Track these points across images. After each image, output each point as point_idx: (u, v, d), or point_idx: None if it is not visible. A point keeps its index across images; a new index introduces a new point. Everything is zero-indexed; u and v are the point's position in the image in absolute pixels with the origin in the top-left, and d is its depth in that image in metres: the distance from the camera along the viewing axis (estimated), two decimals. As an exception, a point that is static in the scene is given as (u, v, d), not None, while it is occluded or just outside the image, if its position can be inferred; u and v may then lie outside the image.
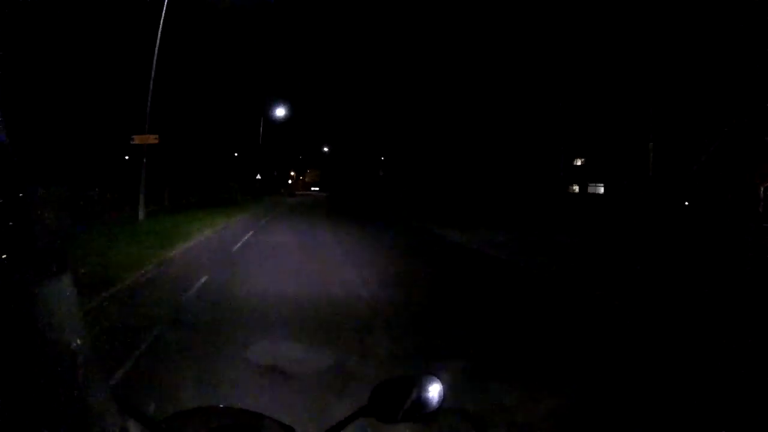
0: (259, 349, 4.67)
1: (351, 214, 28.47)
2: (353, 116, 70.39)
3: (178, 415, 1.19)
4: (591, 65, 28.01)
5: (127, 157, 27.35)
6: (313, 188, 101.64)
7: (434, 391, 1.16)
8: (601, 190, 32.56)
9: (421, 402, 1.14)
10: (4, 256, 0.57)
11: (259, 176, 38.28)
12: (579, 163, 35.11)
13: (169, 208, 22.56)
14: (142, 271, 8.24)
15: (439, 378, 1.19)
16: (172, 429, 1.11)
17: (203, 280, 7.80)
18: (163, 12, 14.84)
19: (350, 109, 77.70)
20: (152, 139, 15.25)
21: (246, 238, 14.15)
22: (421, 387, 1.15)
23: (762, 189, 19.50)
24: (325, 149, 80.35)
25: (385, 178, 61.73)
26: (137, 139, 15.32)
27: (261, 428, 1.18)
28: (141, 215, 15.31)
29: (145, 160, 15.43)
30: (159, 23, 14.88)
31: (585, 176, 34.04)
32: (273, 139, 63.08)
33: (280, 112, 36.90)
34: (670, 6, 20.56)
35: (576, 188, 35.49)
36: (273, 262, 9.89)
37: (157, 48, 14.88)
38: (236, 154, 48.28)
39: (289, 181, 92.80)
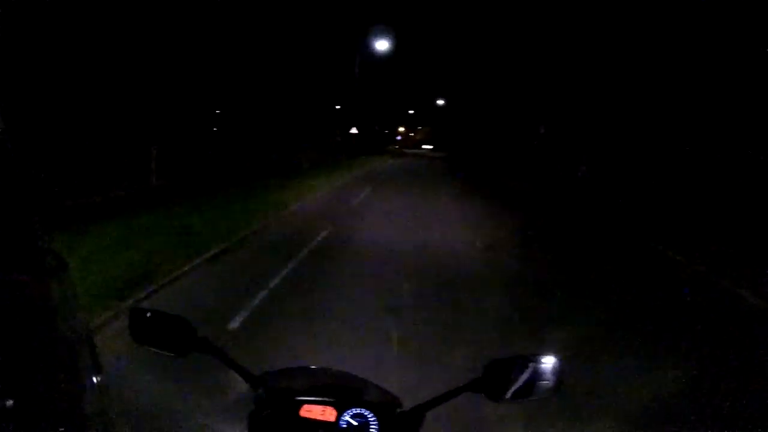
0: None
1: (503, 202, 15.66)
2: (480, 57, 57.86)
3: (277, 371, 1.17)
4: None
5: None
6: (424, 146, 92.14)
7: (551, 371, 1.09)
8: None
9: (535, 382, 1.08)
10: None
11: (355, 130, 30.21)
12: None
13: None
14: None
15: (556, 357, 1.08)
16: (270, 383, 1.11)
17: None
18: None
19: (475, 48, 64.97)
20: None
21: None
22: (537, 366, 1.08)
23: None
24: (440, 102, 69.18)
25: (547, 138, 32.83)
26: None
27: (362, 391, 1.14)
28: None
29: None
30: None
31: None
32: (376, 86, 54.67)
33: (382, 46, 26.89)
34: None
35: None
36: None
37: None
38: (335, 107, 39.92)
39: (398, 138, 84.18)
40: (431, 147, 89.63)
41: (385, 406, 1.10)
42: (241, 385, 1.09)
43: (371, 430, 1.04)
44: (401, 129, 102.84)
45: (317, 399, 1.08)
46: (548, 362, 1.09)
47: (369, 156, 37.71)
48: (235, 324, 4.39)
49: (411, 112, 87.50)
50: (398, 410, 1.10)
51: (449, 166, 31.98)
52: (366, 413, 1.06)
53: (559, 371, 1.09)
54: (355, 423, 1.05)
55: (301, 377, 1.21)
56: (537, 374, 1.08)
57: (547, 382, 1.08)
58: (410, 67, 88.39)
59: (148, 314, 1.14)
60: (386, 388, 1.16)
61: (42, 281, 0.62)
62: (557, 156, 28.33)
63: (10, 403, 0.55)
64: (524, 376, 1.07)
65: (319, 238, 8.00)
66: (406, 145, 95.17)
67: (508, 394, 1.07)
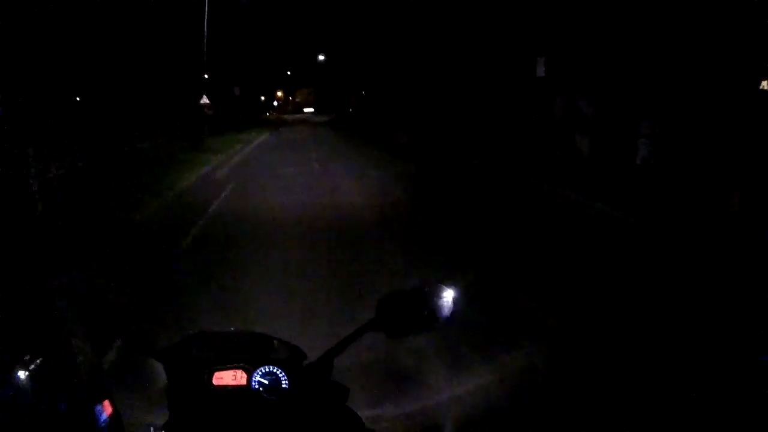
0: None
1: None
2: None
3: (182, 342, 1.15)
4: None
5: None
6: (305, 109, 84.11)
7: (445, 299, 1.10)
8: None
9: (430, 312, 1.09)
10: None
11: (205, 99, 22.01)
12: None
13: None
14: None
15: (448, 286, 1.13)
16: (179, 356, 1.10)
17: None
18: None
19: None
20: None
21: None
22: (430, 297, 1.10)
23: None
24: (321, 58, 61.22)
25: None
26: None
27: (269, 349, 1.14)
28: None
29: None
30: None
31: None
32: (242, 45, 45.61)
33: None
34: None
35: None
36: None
37: None
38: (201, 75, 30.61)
39: (275, 104, 75.12)
40: (312, 110, 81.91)
41: (292, 360, 1.12)
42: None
43: (283, 386, 1.07)
44: (279, 93, 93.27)
45: (226, 364, 1.08)
46: (440, 290, 1.11)
47: (238, 132, 28.30)
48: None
49: (288, 73, 78.48)
50: (305, 362, 1.12)
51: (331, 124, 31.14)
52: (275, 370, 1.08)
53: (453, 299, 1.10)
54: (266, 382, 1.07)
55: (207, 344, 1.18)
56: (430, 303, 1.09)
57: (441, 309, 1.09)
58: (282, 20, 78.94)
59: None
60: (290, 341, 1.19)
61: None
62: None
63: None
64: (418, 308, 1.09)
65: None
66: (285, 110, 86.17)
67: (406, 330, 1.09)
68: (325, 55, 60.88)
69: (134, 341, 1.11)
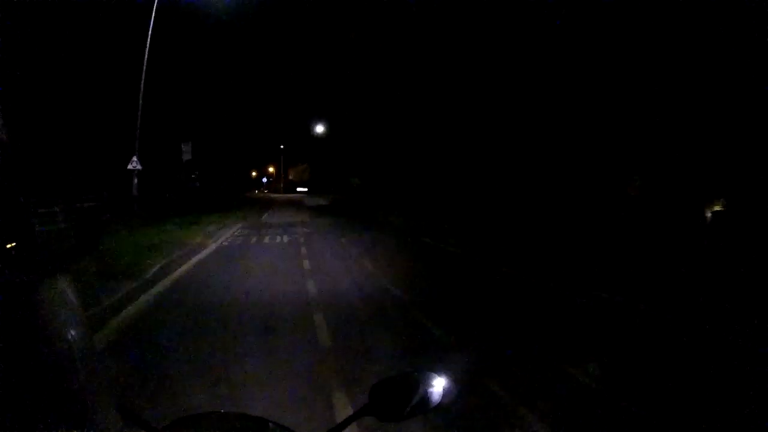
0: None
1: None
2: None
3: (179, 422, 1.17)
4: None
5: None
6: (299, 189, 75.14)
7: (437, 387, 1.14)
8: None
9: (424, 399, 1.12)
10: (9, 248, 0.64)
11: (136, 163, 12.10)
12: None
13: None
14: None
15: (441, 374, 1.16)
16: None
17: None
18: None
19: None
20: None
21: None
22: (423, 383, 1.13)
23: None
24: (319, 129, 52.70)
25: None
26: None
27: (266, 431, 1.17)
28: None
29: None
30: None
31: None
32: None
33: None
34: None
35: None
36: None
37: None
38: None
39: (264, 180, 65.95)
40: (306, 190, 72.89)
41: None
42: None
43: None
44: (271, 169, 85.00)
45: None
46: (432, 379, 1.14)
47: (197, 216, 18.40)
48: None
49: (282, 147, 70.38)
50: None
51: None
52: None
53: (445, 388, 1.13)
54: None
55: (204, 426, 1.19)
56: (423, 391, 1.11)
57: (432, 397, 1.11)
58: (279, 86, 71.84)
59: None
60: (285, 424, 1.18)
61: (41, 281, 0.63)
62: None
63: None
64: (413, 395, 1.10)
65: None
66: (276, 188, 77.14)
67: (401, 414, 1.09)
68: (325, 125, 52.34)
69: (130, 414, 1.03)
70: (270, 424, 1.18)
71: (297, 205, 37.99)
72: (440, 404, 1.13)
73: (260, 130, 70.04)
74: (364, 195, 44.21)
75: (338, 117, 55.36)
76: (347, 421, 1.11)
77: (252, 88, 66.96)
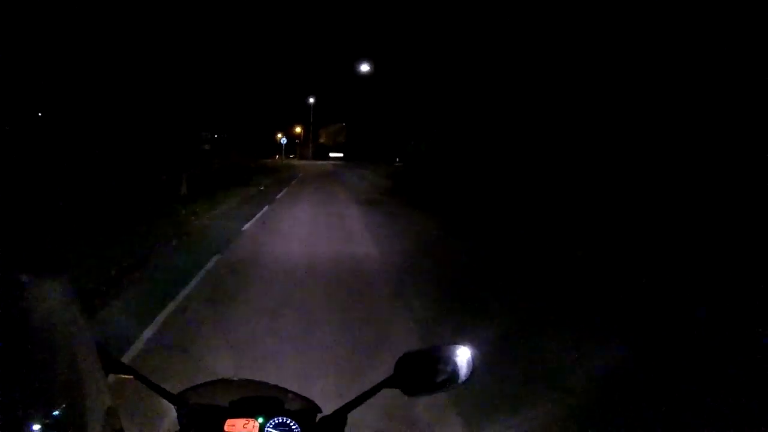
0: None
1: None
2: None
3: (197, 387, 1.16)
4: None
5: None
6: (333, 154, 60.11)
7: (463, 360, 1.08)
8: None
9: (448, 373, 1.07)
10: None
11: None
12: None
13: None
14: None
15: (469, 346, 1.10)
16: (190, 401, 1.10)
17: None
18: None
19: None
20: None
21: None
22: (448, 357, 1.08)
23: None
24: (364, 69, 36.25)
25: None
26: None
27: (283, 401, 1.14)
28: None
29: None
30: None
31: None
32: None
33: None
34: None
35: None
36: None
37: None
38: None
39: (282, 141, 50.61)
40: (341, 156, 57.93)
41: (306, 412, 1.11)
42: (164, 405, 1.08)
43: None
44: (297, 129, 70.07)
45: (239, 413, 1.08)
46: (460, 352, 1.09)
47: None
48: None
49: (311, 100, 54.89)
50: (319, 415, 1.11)
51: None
52: (288, 422, 1.07)
53: (472, 359, 1.09)
54: None
55: (221, 392, 1.16)
56: (450, 364, 1.08)
57: (460, 371, 1.07)
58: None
59: None
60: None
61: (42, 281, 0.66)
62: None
63: None
64: (437, 368, 1.07)
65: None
66: (304, 154, 62.21)
67: (423, 388, 1.08)
68: (368, 68, 36.15)
69: (147, 380, 1.07)
70: (289, 393, 1.15)
71: (330, 181, 22.96)
72: (467, 378, 1.06)
73: (287, 82, 55.06)
74: (437, 168, 28.94)
75: (389, 57, 39.11)
76: (369, 393, 1.06)
77: (273, 24, 51.89)
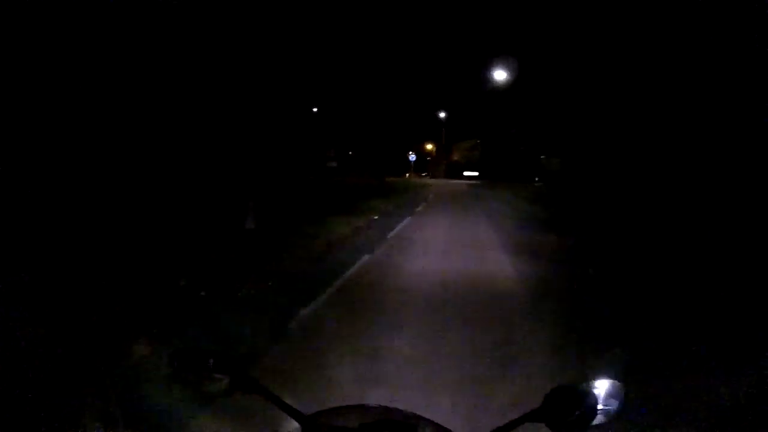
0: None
1: None
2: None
3: (327, 411, 1.16)
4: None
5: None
6: (467, 173, 55.66)
7: (613, 396, 1.06)
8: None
9: (598, 408, 1.03)
10: None
11: None
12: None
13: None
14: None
15: (619, 382, 1.06)
16: (322, 423, 1.11)
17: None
18: None
19: None
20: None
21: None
22: (599, 393, 1.05)
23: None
24: (500, 76, 31.46)
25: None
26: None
27: (415, 427, 1.11)
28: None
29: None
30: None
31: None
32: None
33: None
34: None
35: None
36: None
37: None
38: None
39: (412, 158, 47.27)
40: (475, 174, 53.23)
41: None
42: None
43: None
44: (429, 147, 67.01)
45: None
46: (610, 387, 1.07)
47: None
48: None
49: (442, 115, 51.23)
50: None
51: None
52: None
53: (621, 395, 1.07)
54: None
55: (353, 416, 1.14)
56: (600, 400, 1.04)
57: (609, 407, 1.06)
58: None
59: (191, 353, 1.11)
60: (441, 423, 1.16)
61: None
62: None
63: None
64: (586, 404, 1.01)
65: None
66: (434, 172, 58.66)
67: (571, 424, 1.01)
68: (505, 79, 31.08)
69: (277, 399, 1.07)
70: (422, 420, 1.13)
71: (466, 207, 18.75)
72: (617, 414, 1.04)
73: (418, 97, 52.35)
74: (586, 186, 23.17)
75: (524, 66, 33.67)
76: (512, 424, 1.04)
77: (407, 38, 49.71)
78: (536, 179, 39.34)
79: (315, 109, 40.56)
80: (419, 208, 17.10)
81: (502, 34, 44.71)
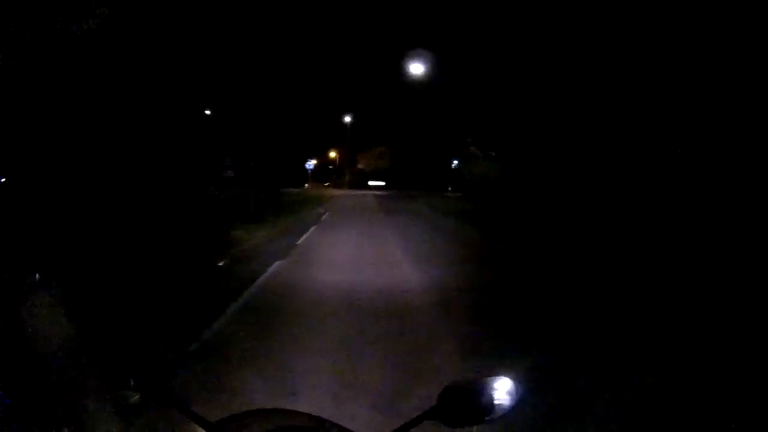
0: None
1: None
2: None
3: (234, 417, 1.16)
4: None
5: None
6: (372, 183, 51.87)
7: (506, 392, 1.07)
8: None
9: (491, 404, 1.05)
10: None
11: None
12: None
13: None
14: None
15: (511, 378, 1.08)
16: (229, 430, 1.10)
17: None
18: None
19: None
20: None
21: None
22: (492, 389, 1.06)
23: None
24: (416, 70, 27.71)
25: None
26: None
27: (320, 430, 1.15)
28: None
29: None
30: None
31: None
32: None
33: None
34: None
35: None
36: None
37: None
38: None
39: (309, 167, 42.41)
40: (382, 184, 49.84)
41: None
42: None
43: None
44: (332, 154, 62.43)
45: None
46: (503, 384, 1.08)
47: None
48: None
49: (348, 119, 46.89)
50: None
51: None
52: None
53: (514, 391, 1.09)
54: None
55: (258, 422, 1.16)
56: (492, 396, 1.06)
57: (502, 403, 1.06)
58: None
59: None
60: (344, 425, 1.13)
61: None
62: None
63: None
64: (480, 400, 1.05)
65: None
66: (338, 182, 54.08)
67: (466, 420, 1.05)
68: (420, 76, 27.67)
69: (186, 408, 1.03)
70: (326, 423, 1.14)
71: (374, 229, 14.39)
72: (510, 409, 1.06)
73: (321, 104, 47.56)
74: (511, 195, 20.10)
75: (441, 65, 30.47)
76: (410, 424, 1.04)
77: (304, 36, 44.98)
78: (449, 188, 36.50)
79: (207, 112, 34.46)
80: (312, 232, 12.31)
81: (415, 29, 41.62)
